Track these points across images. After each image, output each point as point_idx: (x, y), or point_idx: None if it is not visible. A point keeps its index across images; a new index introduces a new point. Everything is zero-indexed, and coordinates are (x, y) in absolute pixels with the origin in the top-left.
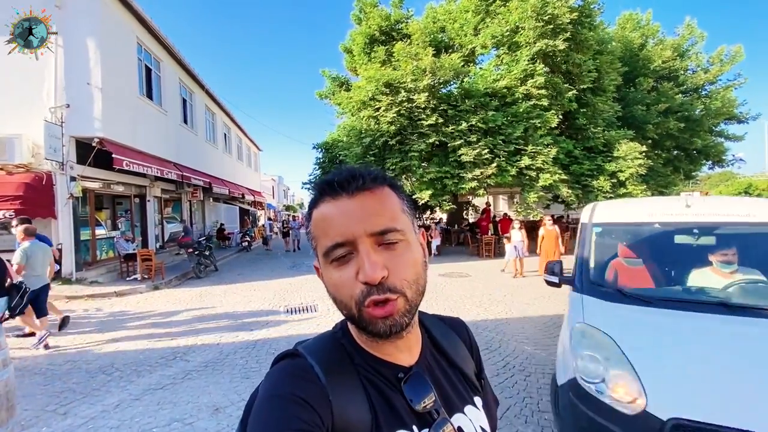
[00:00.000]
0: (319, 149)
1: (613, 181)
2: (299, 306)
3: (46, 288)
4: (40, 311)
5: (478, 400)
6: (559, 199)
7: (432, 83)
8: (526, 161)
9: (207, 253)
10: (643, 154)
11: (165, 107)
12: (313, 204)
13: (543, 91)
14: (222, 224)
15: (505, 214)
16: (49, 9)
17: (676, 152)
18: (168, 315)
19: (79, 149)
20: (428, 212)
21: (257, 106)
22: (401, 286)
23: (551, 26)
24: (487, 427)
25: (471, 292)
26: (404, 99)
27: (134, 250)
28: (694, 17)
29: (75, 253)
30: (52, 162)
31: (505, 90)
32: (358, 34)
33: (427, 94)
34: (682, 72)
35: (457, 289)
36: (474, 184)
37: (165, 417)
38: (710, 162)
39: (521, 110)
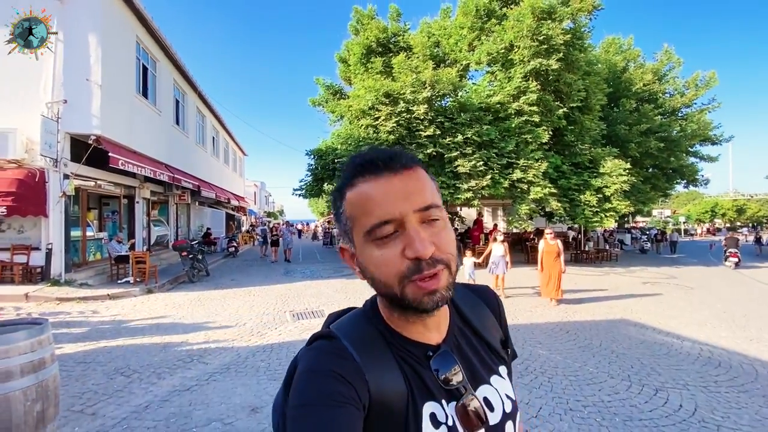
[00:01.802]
0: (312, 156)
1: (599, 196)
2: (305, 311)
3: None
4: None
5: (503, 369)
6: (542, 213)
7: (430, 96)
8: (518, 174)
9: (200, 257)
10: (627, 171)
11: (159, 107)
12: (348, 183)
13: (535, 108)
14: (208, 229)
15: (495, 224)
16: (51, 3)
17: (653, 170)
18: (172, 318)
19: (73, 147)
20: None
21: (244, 109)
22: (447, 259)
23: (545, 46)
24: (512, 395)
25: None
26: (403, 110)
27: (127, 252)
28: (672, 44)
29: (65, 253)
30: (46, 158)
31: (498, 105)
32: (355, 44)
33: (426, 106)
34: (661, 95)
35: None
36: (469, 194)
37: (201, 417)
38: (684, 181)
39: (514, 125)
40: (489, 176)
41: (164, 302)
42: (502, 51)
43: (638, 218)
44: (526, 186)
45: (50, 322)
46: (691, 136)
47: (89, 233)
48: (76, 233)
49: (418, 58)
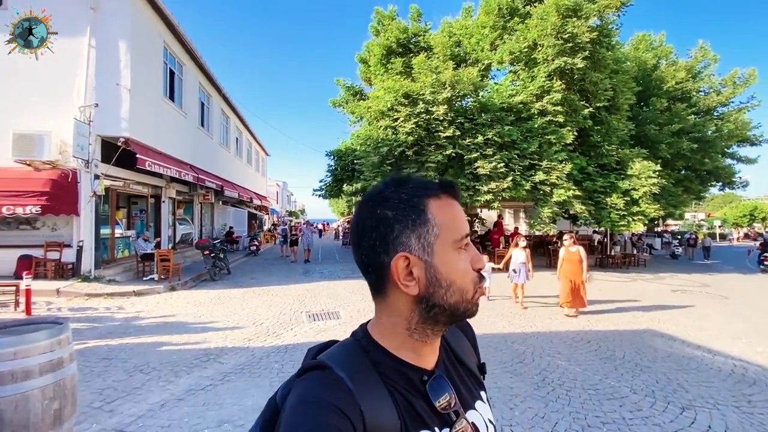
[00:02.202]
0: (332, 156)
1: (626, 198)
2: (321, 312)
3: None
4: None
5: (483, 394)
6: (566, 215)
7: (450, 96)
8: (540, 176)
9: (222, 255)
10: (657, 173)
11: (185, 110)
12: (432, 194)
13: (559, 108)
14: (231, 227)
15: (516, 228)
16: (84, 12)
17: (685, 172)
18: (192, 316)
19: (104, 148)
20: None
21: (266, 111)
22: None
23: (570, 44)
24: (493, 419)
25: (491, 304)
26: (422, 110)
27: (152, 250)
28: (707, 40)
29: (95, 250)
30: (78, 160)
31: (520, 105)
32: (375, 45)
33: (445, 106)
34: (695, 93)
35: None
36: (489, 196)
37: (214, 418)
38: (720, 183)
39: (536, 126)
40: (510, 178)
41: (186, 300)
42: (525, 50)
43: (669, 221)
44: (549, 188)
45: (76, 319)
46: (727, 137)
47: (118, 231)
48: (105, 231)
49: (438, 58)
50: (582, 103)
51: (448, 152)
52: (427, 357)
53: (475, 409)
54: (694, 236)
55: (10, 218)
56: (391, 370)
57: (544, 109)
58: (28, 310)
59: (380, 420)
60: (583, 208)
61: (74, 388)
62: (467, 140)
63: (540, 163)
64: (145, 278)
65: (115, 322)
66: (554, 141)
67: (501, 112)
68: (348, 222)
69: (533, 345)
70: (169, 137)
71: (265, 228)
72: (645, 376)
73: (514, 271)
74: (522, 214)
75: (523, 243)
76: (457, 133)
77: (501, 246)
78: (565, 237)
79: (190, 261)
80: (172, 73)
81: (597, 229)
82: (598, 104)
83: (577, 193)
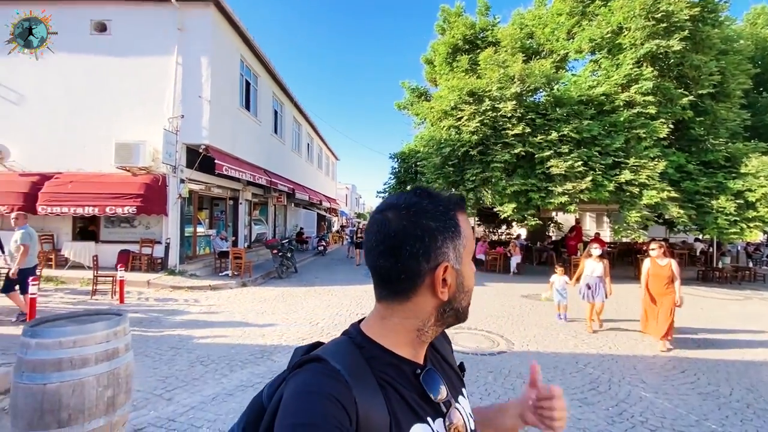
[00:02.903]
0: (396, 159)
1: (738, 201)
2: None
3: (35, 268)
4: (25, 288)
5: (464, 390)
6: (660, 221)
7: (520, 91)
8: (626, 176)
9: (289, 255)
10: None
11: (259, 118)
12: (459, 209)
13: (650, 98)
14: (301, 228)
15: (597, 233)
16: (172, 31)
17: None
18: (256, 312)
19: (188, 155)
20: (505, 227)
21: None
22: None
23: (664, 25)
24: (471, 413)
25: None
26: (488, 108)
27: (228, 248)
28: None
29: (180, 247)
30: (167, 165)
31: (602, 97)
32: (440, 44)
33: (514, 102)
34: None
35: (545, 316)
36: (564, 198)
37: None
38: None
39: (622, 119)
40: (589, 178)
41: (253, 296)
42: (608, 35)
43: None
44: (637, 189)
45: (158, 308)
46: None
47: (200, 230)
48: (189, 230)
49: (506, 51)
50: (680, 91)
51: (516, 151)
52: (421, 354)
53: (458, 402)
54: None
55: (113, 217)
56: (386, 364)
57: (631, 100)
58: (121, 299)
59: (372, 413)
60: (681, 212)
61: (129, 377)
62: (539, 137)
63: (626, 161)
64: (220, 274)
65: (189, 314)
66: (644, 135)
67: (579, 106)
68: None
69: (611, 370)
70: (245, 144)
71: (334, 229)
72: (760, 421)
73: (588, 286)
74: (606, 219)
75: (597, 252)
76: (527, 130)
77: (578, 253)
78: (653, 246)
79: (263, 259)
80: (248, 84)
81: (700, 237)
82: (700, 91)
83: (674, 194)
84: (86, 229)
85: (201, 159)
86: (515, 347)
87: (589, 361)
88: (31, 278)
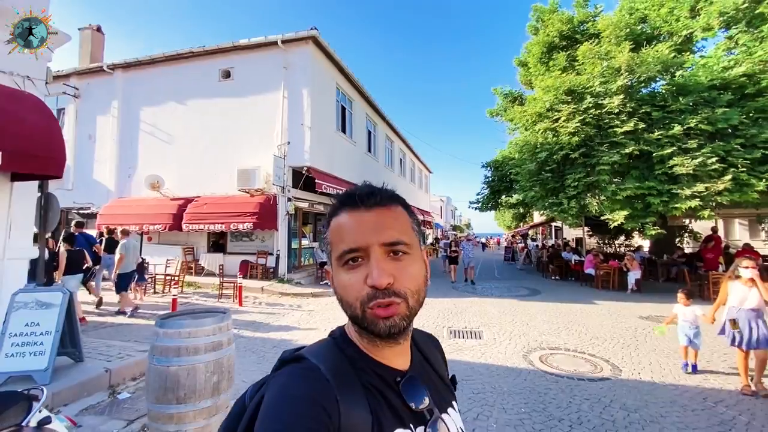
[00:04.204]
0: (488, 167)
1: None
2: (464, 329)
3: (134, 272)
4: (121, 287)
5: (455, 403)
6: None
7: (628, 83)
8: None
9: None
10: None
11: (354, 139)
12: (333, 214)
13: None
14: None
15: (747, 244)
16: (279, 71)
17: None
18: (344, 320)
19: (294, 176)
20: (622, 237)
21: (428, 131)
22: (404, 293)
23: None
24: (463, 428)
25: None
26: (590, 105)
27: (326, 258)
28: None
29: (288, 258)
30: (277, 186)
31: (743, 79)
32: (534, 44)
33: (621, 96)
34: None
35: (669, 341)
36: (694, 202)
37: None
38: None
39: None
40: (729, 176)
41: None
42: (746, 5)
43: None
44: None
45: (268, 312)
46: None
47: (304, 243)
48: (295, 243)
49: (609, 41)
50: None
51: (627, 150)
52: (395, 359)
53: (447, 414)
54: None
55: (236, 232)
56: (366, 366)
57: None
58: (239, 302)
59: (354, 414)
60: None
61: (231, 366)
62: (656, 133)
63: None
64: (321, 282)
65: (292, 318)
66: None
67: (711, 92)
68: (513, 236)
69: (752, 411)
70: (341, 163)
71: (428, 242)
72: None
73: (734, 322)
74: (740, 223)
75: (747, 273)
76: (641, 125)
77: (720, 269)
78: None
79: None
80: (343, 109)
81: None
82: None
83: None
84: (217, 243)
85: (304, 179)
86: (622, 374)
87: (721, 398)
88: (132, 280)
